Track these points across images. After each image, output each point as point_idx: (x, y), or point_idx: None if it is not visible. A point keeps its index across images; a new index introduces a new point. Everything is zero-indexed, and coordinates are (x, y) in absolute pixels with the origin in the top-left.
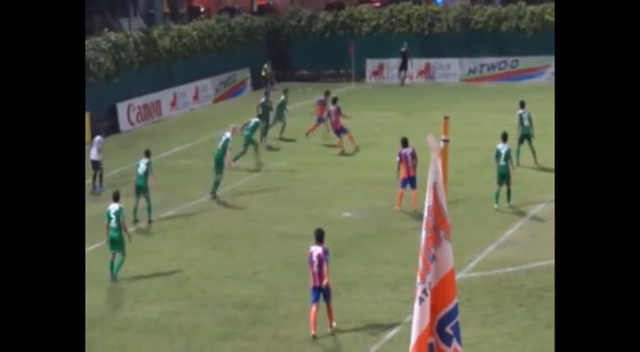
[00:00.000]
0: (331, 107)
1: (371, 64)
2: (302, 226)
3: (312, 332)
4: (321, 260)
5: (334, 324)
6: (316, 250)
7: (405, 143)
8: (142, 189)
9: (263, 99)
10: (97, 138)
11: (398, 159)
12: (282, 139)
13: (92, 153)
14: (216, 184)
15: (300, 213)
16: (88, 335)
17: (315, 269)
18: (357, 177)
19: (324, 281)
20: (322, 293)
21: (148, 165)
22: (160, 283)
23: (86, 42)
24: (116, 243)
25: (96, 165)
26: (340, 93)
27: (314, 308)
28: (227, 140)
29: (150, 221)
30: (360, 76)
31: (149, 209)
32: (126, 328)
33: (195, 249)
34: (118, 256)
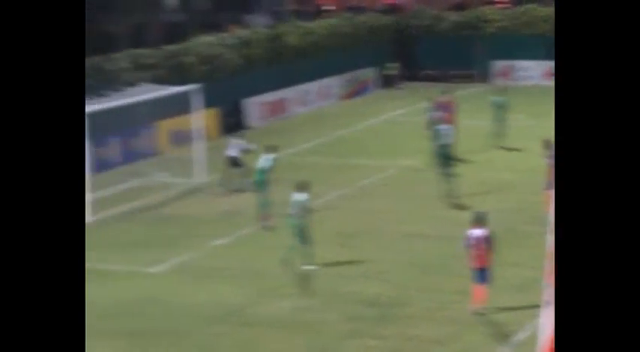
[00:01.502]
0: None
1: (496, 66)
2: (428, 226)
3: (476, 308)
4: (480, 241)
5: (479, 307)
6: (476, 232)
7: (548, 146)
8: (263, 184)
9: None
10: (238, 140)
11: (548, 161)
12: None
13: (232, 151)
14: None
15: (427, 212)
16: (216, 329)
17: (476, 250)
18: (486, 179)
19: (484, 263)
20: (481, 274)
21: (272, 161)
22: (289, 279)
23: (213, 38)
24: (299, 233)
25: (235, 161)
26: (465, 94)
27: (479, 287)
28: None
29: (266, 217)
30: (485, 77)
31: (266, 205)
32: (255, 323)
33: (323, 247)
34: (303, 246)
